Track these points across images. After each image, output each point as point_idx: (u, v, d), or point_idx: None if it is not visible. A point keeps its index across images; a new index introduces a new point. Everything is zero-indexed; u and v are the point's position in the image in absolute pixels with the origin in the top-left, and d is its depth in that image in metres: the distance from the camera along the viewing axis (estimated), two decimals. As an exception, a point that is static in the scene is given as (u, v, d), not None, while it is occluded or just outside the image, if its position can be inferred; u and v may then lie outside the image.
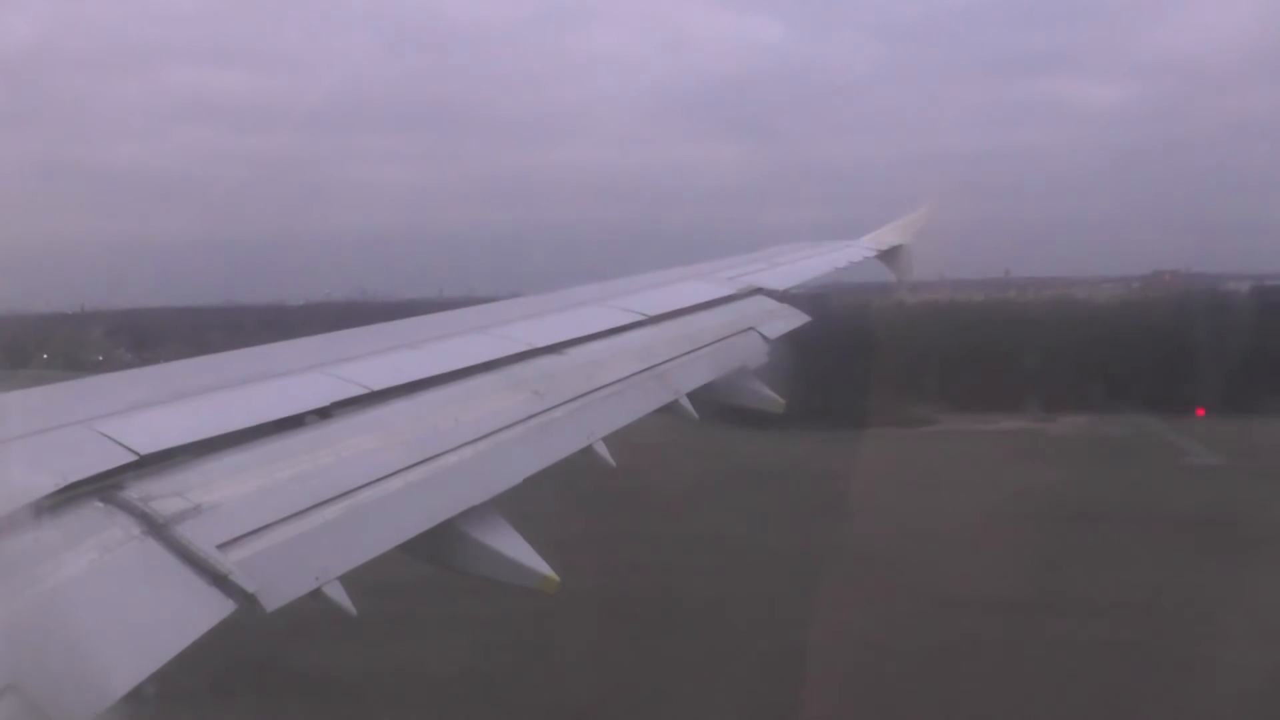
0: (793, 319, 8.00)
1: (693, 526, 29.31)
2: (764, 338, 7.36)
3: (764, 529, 28.71)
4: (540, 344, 5.55)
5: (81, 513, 3.05)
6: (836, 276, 10.78)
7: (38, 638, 2.65)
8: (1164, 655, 20.94)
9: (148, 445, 3.41)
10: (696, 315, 7.23)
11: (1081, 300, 69.28)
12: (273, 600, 3.14)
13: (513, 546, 4.13)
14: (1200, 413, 42.30)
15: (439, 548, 4.00)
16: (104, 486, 3.19)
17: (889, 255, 12.01)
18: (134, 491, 3.21)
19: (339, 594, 3.38)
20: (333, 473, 3.77)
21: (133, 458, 3.32)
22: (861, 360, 40.01)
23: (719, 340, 6.93)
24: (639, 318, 6.61)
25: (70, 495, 3.08)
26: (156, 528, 3.09)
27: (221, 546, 3.16)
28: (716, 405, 6.87)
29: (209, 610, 2.97)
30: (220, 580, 3.05)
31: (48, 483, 3.02)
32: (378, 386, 4.44)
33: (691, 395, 6.09)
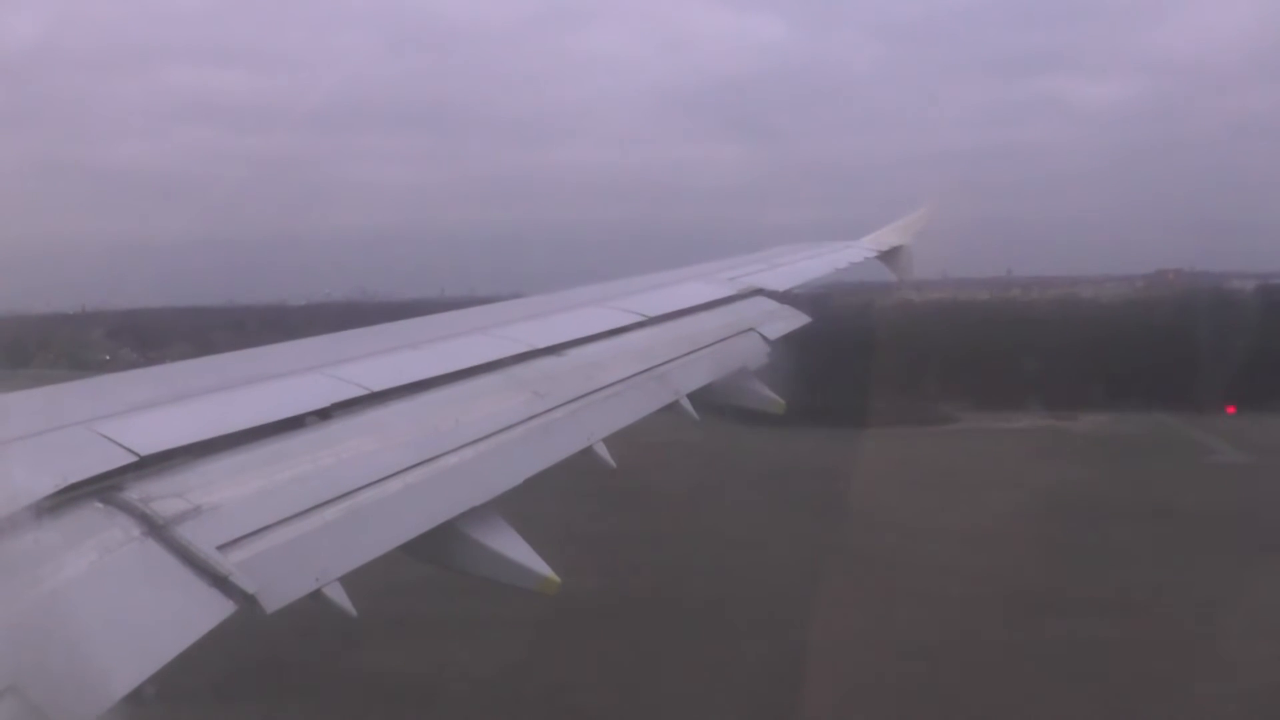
0: (793, 320, 8.00)
1: (760, 525, 28.90)
2: (764, 338, 7.36)
3: (829, 527, 28.27)
4: (540, 345, 5.55)
5: (82, 514, 3.05)
6: (837, 277, 10.81)
7: (38, 639, 2.65)
8: (1240, 653, 20.52)
9: (148, 446, 3.40)
10: (697, 316, 7.23)
11: (1089, 299, 69.26)
12: (273, 601, 3.14)
13: (513, 548, 4.13)
14: (1231, 410, 42.27)
15: (439, 549, 4.00)
16: (104, 487, 3.18)
17: (889, 256, 12.02)
18: (134, 492, 3.21)
19: (339, 595, 3.38)
20: (333, 474, 3.77)
21: (133, 459, 3.32)
22: (877, 359, 40.25)
23: (719, 341, 6.92)
24: (639, 318, 6.61)
25: (70, 496, 3.07)
26: (156, 529, 3.09)
27: (221, 548, 3.16)
28: (738, 406, 6.89)
29: (209, 611, 2.97)
30: (220, 581, 3.04)
31: (48, 484, 3.02)
32: (378, 387, 4.44)
33: (692, 396, 6.09)
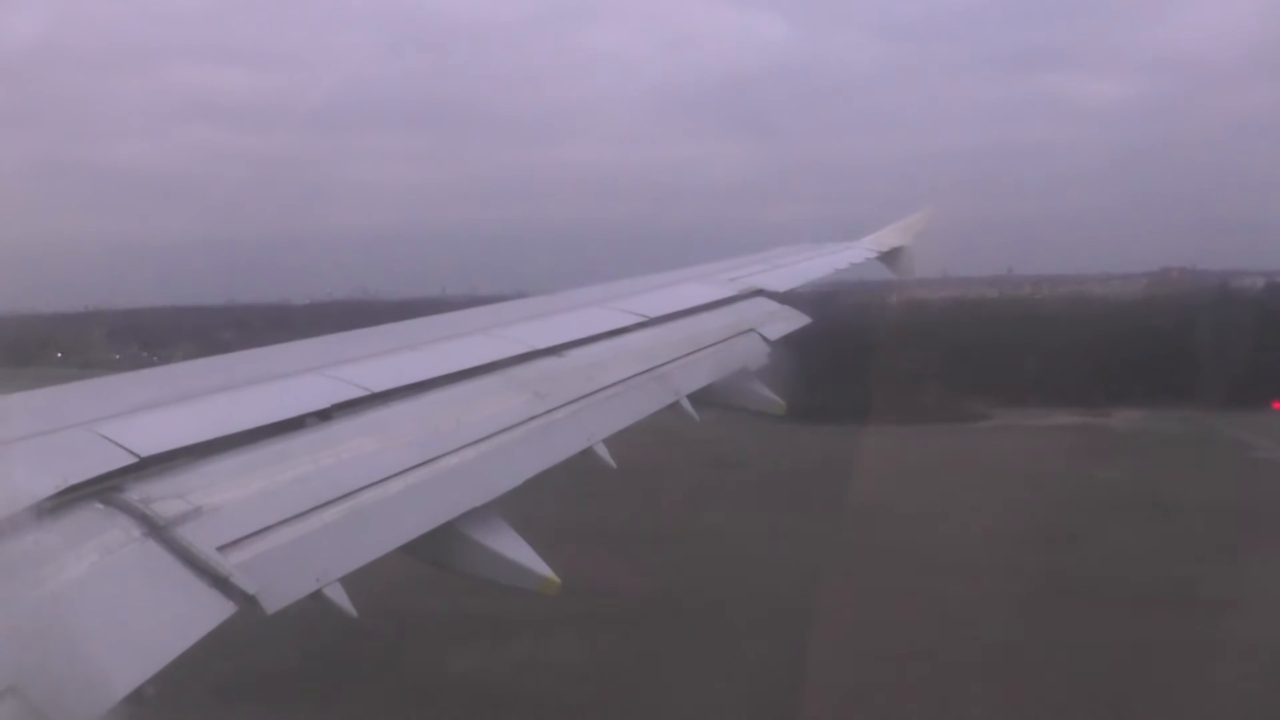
0: (794, 320, 8.00)
1: (827, 521, 28.45)
2: (765, 339, 7.36)
3: (924, 530, 28.07)
4: (541, 345, 5.56)
5: (82, 515, 3.05)
6: (838, 278, 10.82)
7: (38, 640, 2.65)
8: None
9: (148, 447, 3.41)
10: (697, 317, 7.23)
11: (1105, 296, 69.28)
12: (273, 602, 3.14)
13: (514, 548, 4.13)
14: (1277, 405, 42.16)
15: (440, 549, 4.00)
16: (105, 488, 3.19)
17: (890, 256, 12.03)
18: (135, 493, 3.21)
19: (340, 596, 3.38)
20: (333, 474, 3.77)
21: (133, 460, 3.32)
22: (902, 356, 40.32)
23: (720, 342, 6.92)
24: (640, 319, 6.61)
25: (71, 497, 3.08)
26: (157, 530, 3.09)
27: (222, 548, 3.16)
28: (739, 407, 6.90)
29: (209, 612, 2.97)
30: (221, 582, 3.05)
31: (48, 485, 3.02)
32: (378, 388, 4.44)
33: (692, 396, 6.09)
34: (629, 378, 5.73)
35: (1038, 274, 77.38)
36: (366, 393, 4.37)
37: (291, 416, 4.02)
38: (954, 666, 20.17)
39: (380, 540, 3.66)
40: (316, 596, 3.32)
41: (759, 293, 8.25)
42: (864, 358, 34.79)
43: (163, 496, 3.24)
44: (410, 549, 3.82)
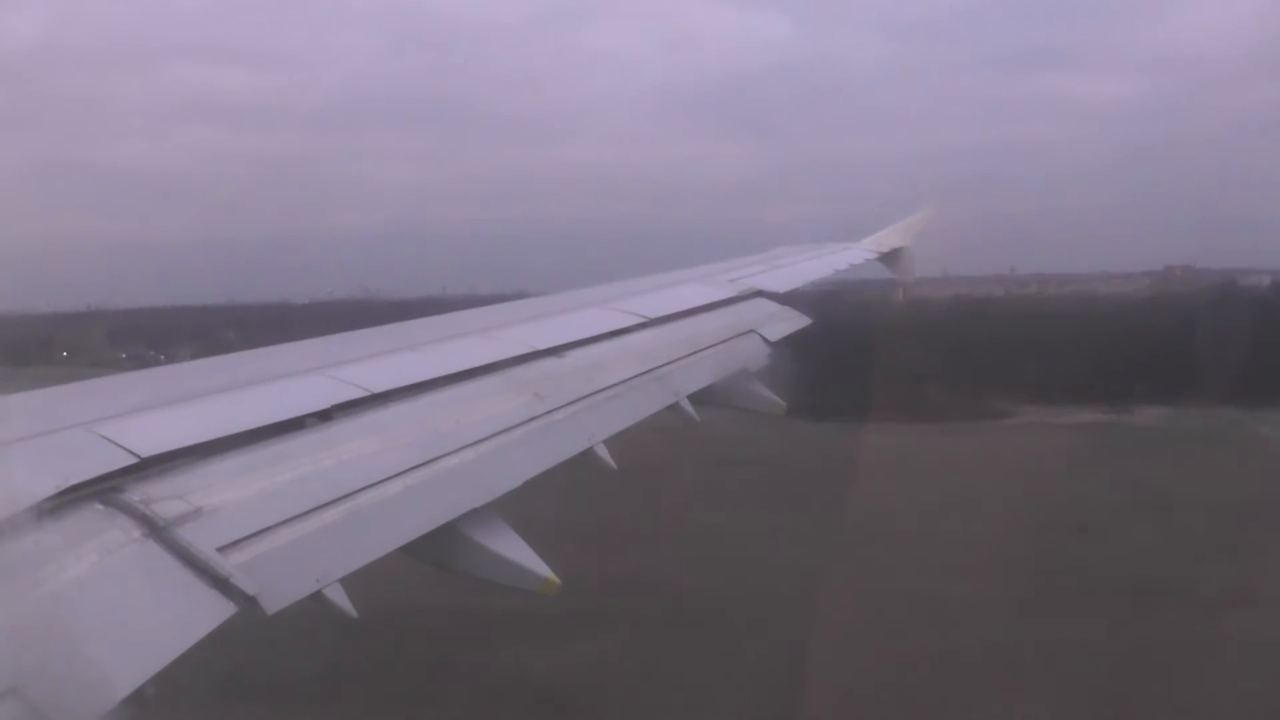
0: (794, 321, 8.01)
1: (866, 518, 27.98)
2: (765, 340, 7.37)
3: (979, 524, 27.56)
4: (541, 346, 5.56)
5: (82, 515, 3.05)
6: (839, 278, 10.84)
7: (39, 640, 2.65)
8: None
9: (148, 448, 3.41)
10: (697, 318, 7.24)
11: (1110, 294, 69.23)
12: (273, 603, 3.14)
13: (514, 549, 4.14)
14: None
15: (440, 550, 4.00)
16: (105, 489, 3.19)
17: (890, 257, 12.04)
18: (135, 494, 3.21)
19: (340, 596, 3.38)
20: (333, 475, 3.78)
21: (133, 460, 3.32)
22: (917, 355, 40.33)
23: (720, 343, 6.93)
24: (640, 320, 6.61)
25: (71, 498, 3.08)
26: (157, 530, 3.10)
27: (222, 549, 3.16)
28: (739, 407, 6.91)
29: (210, 613, 2.97)
30: (221, 583, 3.05)
31: (49, 485, 3.02)
32: (378, 389, 4.44)
33: (692, 397, 6.10)
34: (629, 378, 5.73)
35: (1039, 273, 77.42)
36: (366, 393, 4.38)
37: (292, 417, 4.03)
38: (1050, 662, 19.61)
39: (380, 541, 3.66)
40: (317, 597, 3.32)
41: (759, 293, 8.26)
42: (879, 355, 34.67)
43: (163, 497, 3.25)
44: (410, 550, 3.82)
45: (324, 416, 4.15)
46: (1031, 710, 18.55)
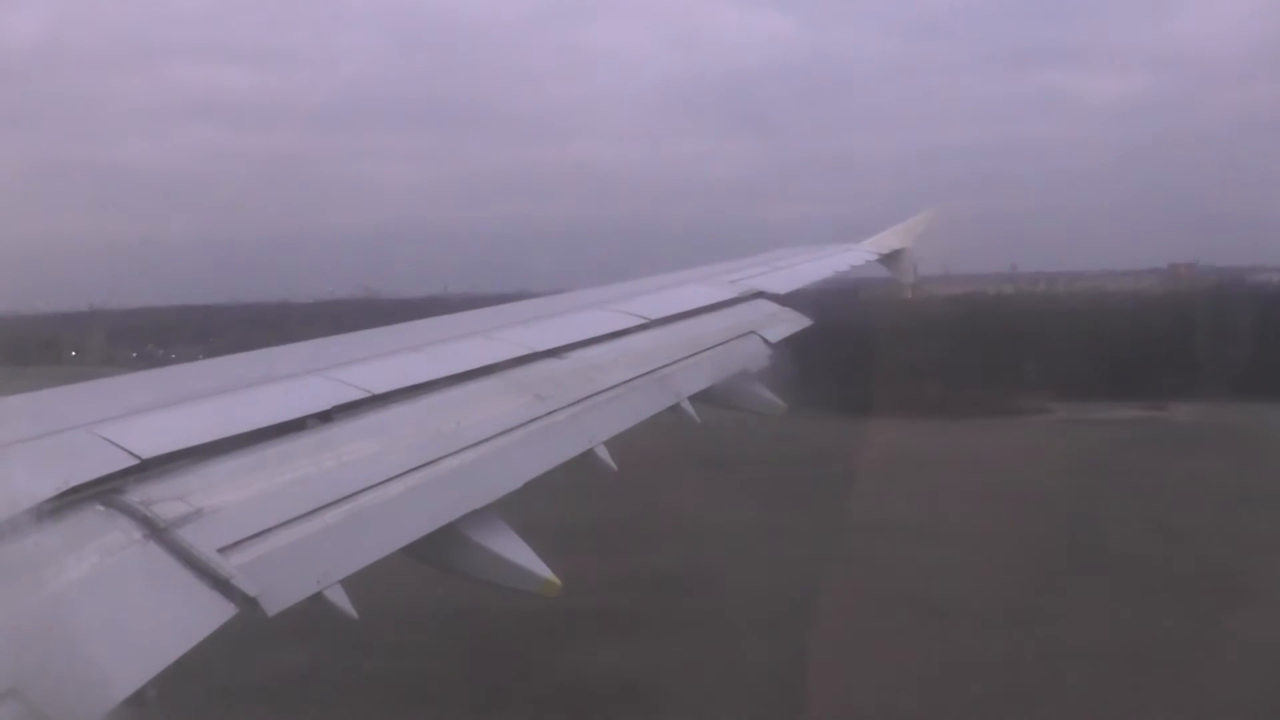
0: (794, 323, 8.02)
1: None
2: (765, 341, 7.38)
3: (1070, 525, 26.25)
4: (541, 348, 5.56)
5: (83, 517, 3.05)
6: (843, 278, 10.89)
7: (39, 642, 2.65)
8: None
9: (149, 449, 3.41)
10: (698, 319, 7.24)
11: (1122, 291, 69.15)
12: (274, 604, 3.14)
13: (514, 550, 4.14)
14: None
15: (441, 551, 4.00)
16: (105, 490, 3.19)
17: (890, 259, 12.06)
18: (135, 495, 3.21)
19: (340, 598, 3.38)
20: (334, 476, 3.78)
21: (134, 461, 3.32)
22: (943, 351, 40.22)
23: (721, 344, 6.94)
24: (640, 321, 6.62)
25: (71, 499, 3.08)
26: (158, 532, 3.10)
27: (223, 550, 3.16)
28: (739, 408, 6.92)
29: (210, 614, 2.97)
30: (222, 584, 3.05)
31: (49, 486, 3.02)
32: (379, 390, 4.45)
33: (693, 398, 6.11)
34: (630, 380, 5.73)
35: (1041, 271, 77.22)
36: (367, 394, 4.38)
37: (292, 418, 4.03)
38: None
39: (381, 542, 3.66)
40: (317, 599, 3.32)
41: (759, 295, 8.27)
42: (906, 353, 34.57)
43: (164, 498, 3.25)
44: (411, 551, 3.82)
45: (325, 418, 4.15)
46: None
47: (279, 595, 3.18)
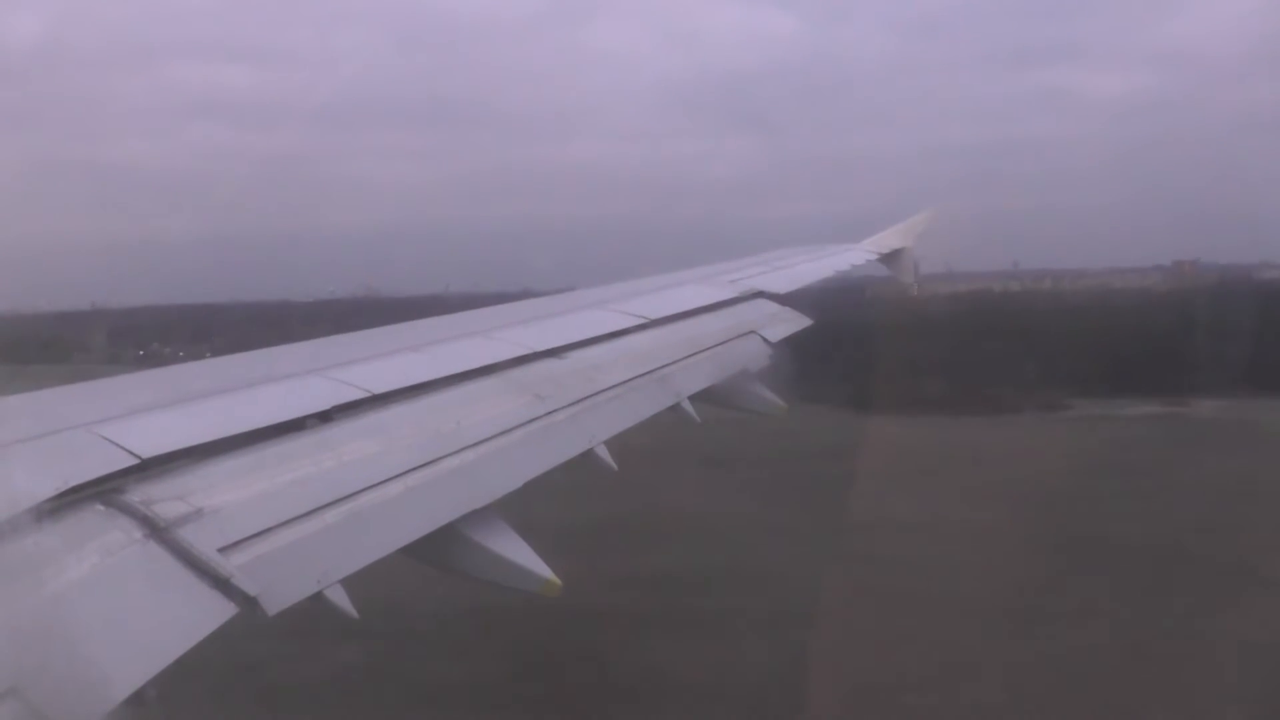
0: (794, 322, 8.02)
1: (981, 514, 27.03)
2: (765, 341, 7.38)
3: (1123, 523, 25.88)
4: (541, 348, 5.56)
5: (83, 516, 3.05)
6: (848, 276, 10.92)
7: (39, 641, 2.65)
8: None
9: (149, 449, 3.41)
10: (698, 318, 7.25)
11: (1131, 289, 69.11)
12: (274, 604, 3.14)
13: (514, 550, 4.14)
14: None
15: (441, 551, 4.00)
16: (105, 490, 3.19)
17: (890, 258, 12.05)
18: (135, 495, 3.21)
19: (340, 597, 3.38)
20: (334, 476, 3.78)
21: (134, 461, 3.32)
22: (958, 349, 40.14)
23: (721, 344, 6.94)
24: (641, 321, 6.62)
25: (72, 499, 3.08)
26: (158, 531, 3.10)
27: (223, 550, 3.16)
28: (740, 408, 6.93)
29: (211, 614, 2.97)
30: (222, 584, 3.05)
31: (50, 486, 3.02)
32: (379, 390, 4.45)
33: (693, 398, 6.11)
34: (630, 379, 5.74)
35: (1043, 268, 77.07)
36: (367, 394, 4.38)
37: (292, 418, 4.03)
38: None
39: (381, 542, 3.66)
40: (318, 598, 3.32)
41: (760, 294, 8.27)
42: (918, 350, 34.36)
43: (164, 498, 3.25)
44: (411, 551, 3.82)
45: (325, 417, 4.15)
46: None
47: (279, 595, 3.18)
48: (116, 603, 2.87)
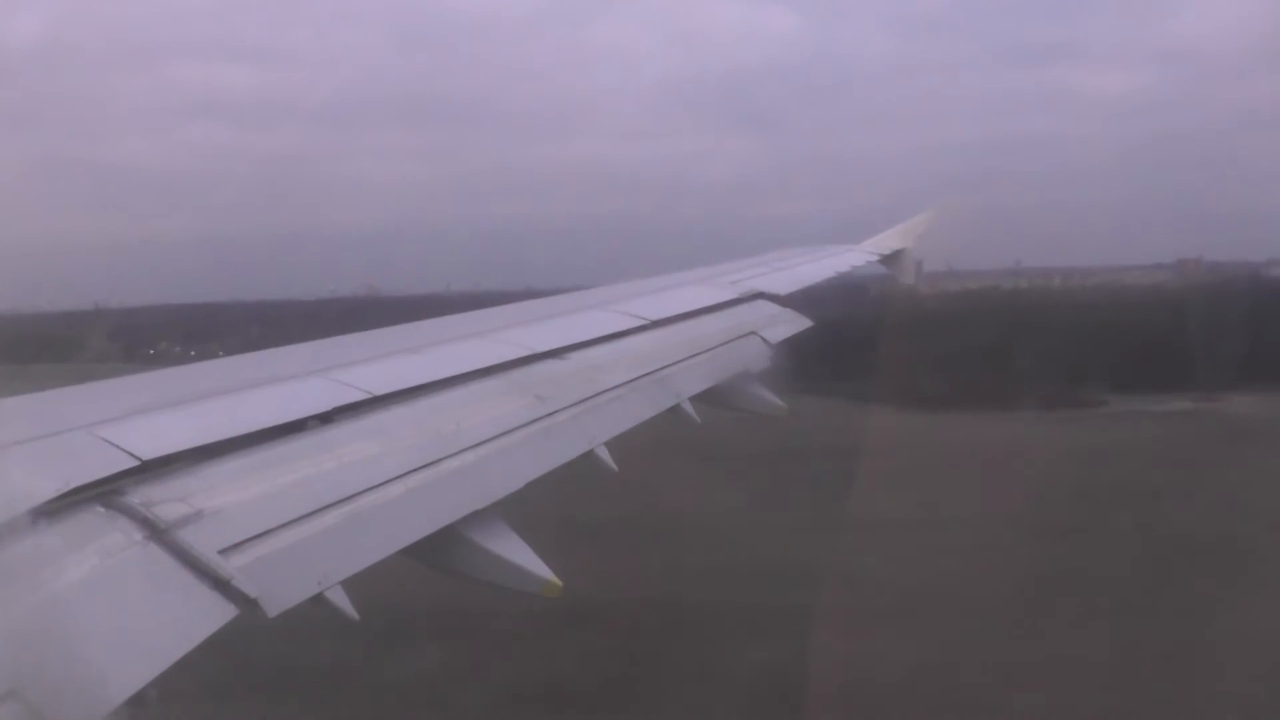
0: (795, 324, 8.03)
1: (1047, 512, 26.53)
2: (766, 342, 7.38)
3: (1185, 519, 25.89)
4: (542, 349, 5.56)
5: (83, 518, 3.05)
6: (839, 280, 10.88)
7: (39, 643, 2.65)
8: None
9: (150, 450, 3.41)
10: (699, 320, 7.25)
11: (1142, 286, 69.14)
12: (275, 605, 3.14)
13: (515, 551, 4.13)
14: None
15: (441, 552, 4.00)
16: (106, 492, 3.18)
17: (891, 259, 12.05)
18: (136, 496, 3.21)
19: (341, 599, 3.38)
20: (335, 478, 3.77)
21: (134, 463, 3.32)
22: (984, 344, 40.60)
23: (721, 345, 6.94)
24: (641, 322, 6.62)
25: (72, 500, 3.07)
26: (158, 533, 3.09)
27: (224, 551, 3.16)
28: (740, 409, 6.93)
29: (211, 615, 2.97)
30: (222, 585, 3.04)
31: (49, 488, 3.02)
32: (380, 391, 4.44)
33: (694, 399, 6.10)
34: (630, 381, 5.73)
35: (1044, 266, 77.04)
36: (368, 396, 4.38)
37: (293, 419, 4.03)
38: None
39: (382, 543, 3.66)
40: (318, 600, 3.32)
41: (760, 296, 8.27)
42: (940, 347, 34.30)
43: (164, 499, 3.24)
44: (412, 552, 3.82)
45: (325, 419, 4.15)
46: None
47: (279, 596, 3.18)
48: (117, 604, 2.86)
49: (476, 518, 4.07)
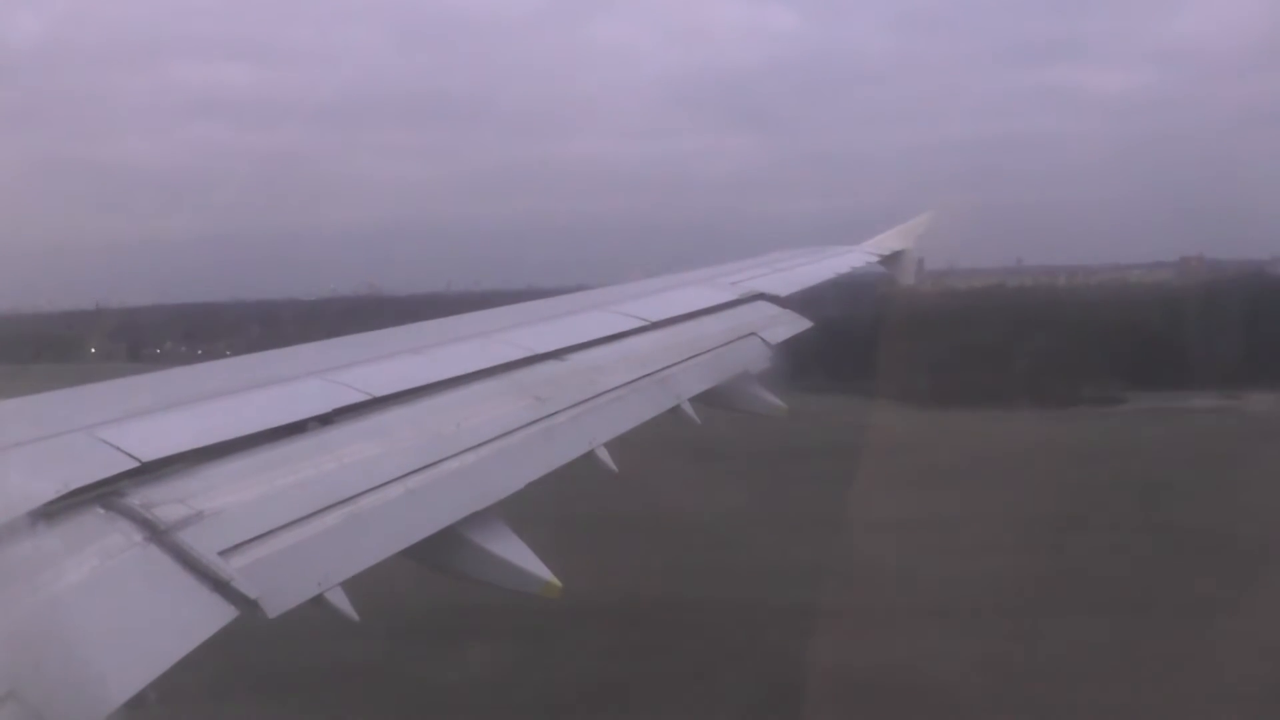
0: (795, 325, 8.03)
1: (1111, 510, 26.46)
2: (766, 343, 7.39)
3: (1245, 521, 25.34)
4: (542, 350, 5.56)
5: (83, 519, 3.05)
6: (838, 282, 10.89)
7: (38, 644, 2.64)
8: None
9: (149, 452, 3.40)
10: (699, 320, 7.25)
11: (1148, 284, 69.14)
12: (275, 607, 3.14)
13: (515, 552, 4.13)
14: None
15: (441, 553, 4.00)
16: (105, 493, 3.18)
17: (890, 260, 12.06)
18: (136, 498, 3.21)
19: (341, 600, 3.38)
20: (335, 479, 3.77)
21: (134, 464, 3.32)
22: (998, 342, 40.77)
23: (721, 346, 6.94)
24: (641, 323, 6.62)
25: (72, 502, 3.07)
26: (158, 534, 3.09)
27: (223, 553, 3.15)
28: (740, 409, 6.94)
29: (211, 617, 2.97)
30: (222, 586, 3.04)
31: (49, 489, 3.02)
32: (380, 392, 4.44)
33: (694, 399, 6.11)
34: (630, 382, 5.74)
35: (1045, 264, 77.05)
36: (368, 397, 4.38)
37: (293, 421, 4.03)
38: None
39: (382, 544, 3.66)
40: (318, 601, 3.32)
41: (760, 297, 8.28)
42: (972, 344, 34.05)
43: (164, 501, 3.24)
44: (412, 553, 3.82)
45: (325, 420, 4.15)
46: None
47: (280, 598, 3.18)
48: (117, 606, 2.86)
49: (477, 519, 4.07)
